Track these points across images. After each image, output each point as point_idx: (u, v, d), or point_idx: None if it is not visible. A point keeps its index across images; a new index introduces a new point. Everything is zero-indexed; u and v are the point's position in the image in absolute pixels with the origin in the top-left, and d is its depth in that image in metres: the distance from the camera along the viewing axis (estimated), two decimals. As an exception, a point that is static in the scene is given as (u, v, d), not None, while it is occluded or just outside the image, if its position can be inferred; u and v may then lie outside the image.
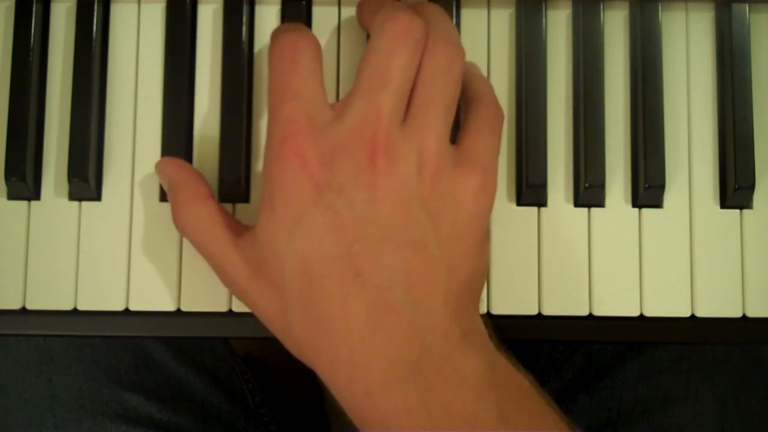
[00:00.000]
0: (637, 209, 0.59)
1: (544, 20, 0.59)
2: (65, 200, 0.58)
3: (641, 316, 0.59)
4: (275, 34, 0.54)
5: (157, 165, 0.57)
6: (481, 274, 0.55)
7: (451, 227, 0.52)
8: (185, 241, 0.58)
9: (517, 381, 0.51)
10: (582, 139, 0.59)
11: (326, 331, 0.50)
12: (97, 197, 0.58)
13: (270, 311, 0.53)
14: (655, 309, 0.59)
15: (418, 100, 0.53)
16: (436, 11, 0.55)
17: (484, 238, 0.54)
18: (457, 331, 0.50)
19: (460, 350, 0.50)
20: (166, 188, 0.57)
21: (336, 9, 0.60)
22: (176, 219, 0.56)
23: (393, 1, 0.55)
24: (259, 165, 0.59)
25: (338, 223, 0.50)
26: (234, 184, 0.57)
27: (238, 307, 0.58)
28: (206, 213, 0.55)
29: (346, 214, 0.50)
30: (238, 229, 0.55)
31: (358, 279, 0.49)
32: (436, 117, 0.52)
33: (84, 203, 0.58)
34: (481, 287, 0.55)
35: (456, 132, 0.56)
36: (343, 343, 0.49)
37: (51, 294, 0.58)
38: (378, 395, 0.49)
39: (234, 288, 0.55)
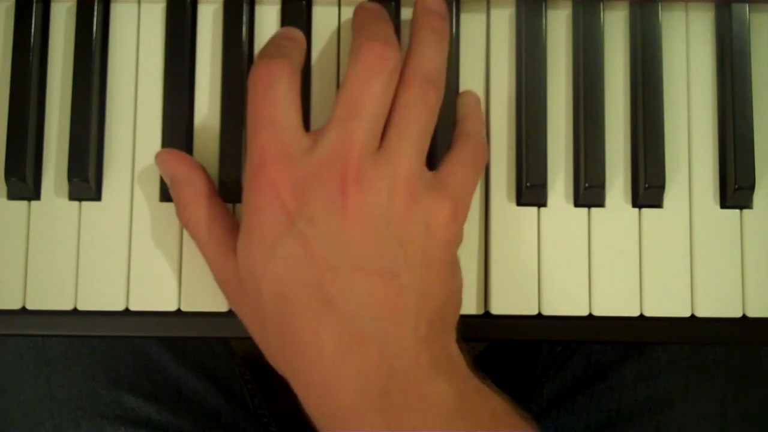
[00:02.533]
0: (637, 209, 0.59)
1: (544, 20, 0.59)
2: (65, 200, 0.58)
3: (641, 316, 0.59)
4: (258, 57, 0.55)
5: (158, 156, 0.57)
6: (454, 300, 0.55)
7: (423, 255, 0.52)
8: (185, 242, 0.58)
9: (489, 407, 0.52)
10: (582, 139, 0.59)
11: (299, 354, 0.51)
12: (97, 197, 0.58)
13: (252, 325, 0.55)
14: (655, 309, 0.59)
15: (392, 128, 0.53)
16: (427, 34, 0.56)
17: (454, 264, 0.55)
18: (427, 358, 0.51)
19: (429, 377, 0.50)
20: (167, 181, 0.57)
21: (336, 9, 0.60)
22: (179, 215, 0.56)
23: (374, 24, 0.55)
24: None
25: (309, 252, 0.51)
26: (234, 184, 0.57)
27: (238, 307, 0.58)
28: (207, 215, 0.55)
29: (317, 243, 0.51)
30: (236, 237, 0.55)
31: (329, 307, 0.50)
32: (409, 145, 0.53)
33: (84, 203, 0.58)
34: (456, 312, 0.55)
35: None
36: (314, 368, 0.50)
37: (51, 294, 0.58)
38: (345, 421, 0.50)
39: (223, 293, 0.56)
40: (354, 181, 0.51)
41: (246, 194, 0.53)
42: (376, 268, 0.51)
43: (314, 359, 0.50)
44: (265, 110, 0.53)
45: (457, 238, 0.54)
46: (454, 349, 0.53)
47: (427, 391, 0.50)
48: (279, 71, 0.53)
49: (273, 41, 0.56)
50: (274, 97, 0.53)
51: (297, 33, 0.57)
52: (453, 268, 0.54)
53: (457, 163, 0.56)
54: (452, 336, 0.54)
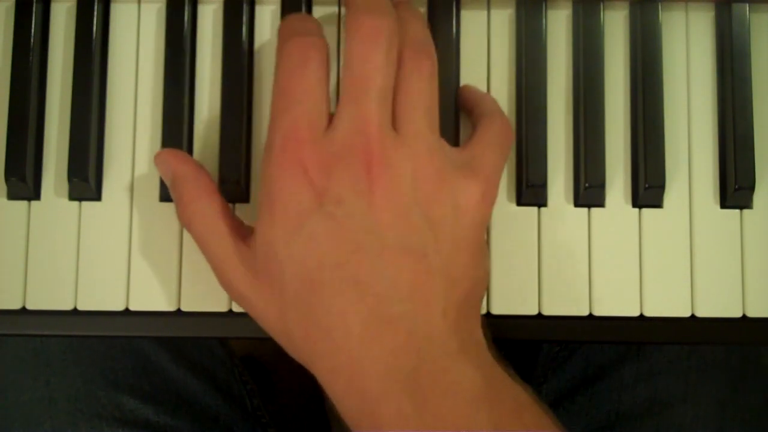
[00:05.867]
0: (637, 209, 0.59)
1: (544, 20, 0.59)
2: (65, 200, 0.58)
3: (641, 316, 0.59)
4: (286, 34, 0.54)
5: (158, 156, 0.57)
6: (482, 284, 0.55)
7: (452, 236, 0.52)
8: (185, 242, 0.58)
9: (513, 394, 0.52)
10: (582, 139, 0.59)
11: (325, 337, 0.50)
12: (97, 197, 0.58)
13: (269, 315, 0.53)
14: (655, 309, 0.59)
15: (399, 111, 0.53)
16: (406, 12, 0.56)
17: (483, 247, 0.54)
18: (455, 343, 0.51)
19: (457, 362, 0.50)
20: (167, 182, 0.57)
21: (336, 9, 0.60)
22: (181, 214, 0.55)
23: (361, 3, 0.55)
24: (259, 165, 0.58)
25: (338, 233, 0.50)
26: (234, 184, 0.57)
27: (238, 307, 0.57)
28: (212, 210, 0.55)
29: (346, 224, 0.50)
30: (242, 231, 0.55)
31: (357, 288, 0.50)
32: (421, 123, 0.53)
33: (84, 203, 0.58)
34: (482, 297, 0.55)
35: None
36: (342, 351, 0.50)
37: (51, 294, 0.58)
38: (373, 403, 0.49)
39: (231, 290, 0.55)
40: (378, 161, 0.51)
41: (269, 171, 0.52)
42: (405, 247, 0.50)
43: (341, 342, 0.50)
44: (297, 89, 0.52)
45: (486, 221, 0.54)
46: (479, 335, 0.53)
47: (455, 377, 0.49)
48: (316, 51, 0.53)
49: (297, 18, 0.56)
50: (307, 76, 0.52)
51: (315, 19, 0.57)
52: (481, 252, 0.54)
53: (484, 144, 0.56)
54: (478, 322, 0.54)
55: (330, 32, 0.60)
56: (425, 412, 0.48)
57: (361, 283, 0.50)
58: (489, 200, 0.54)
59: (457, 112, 0.59)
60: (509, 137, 0.57)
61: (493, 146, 0.56)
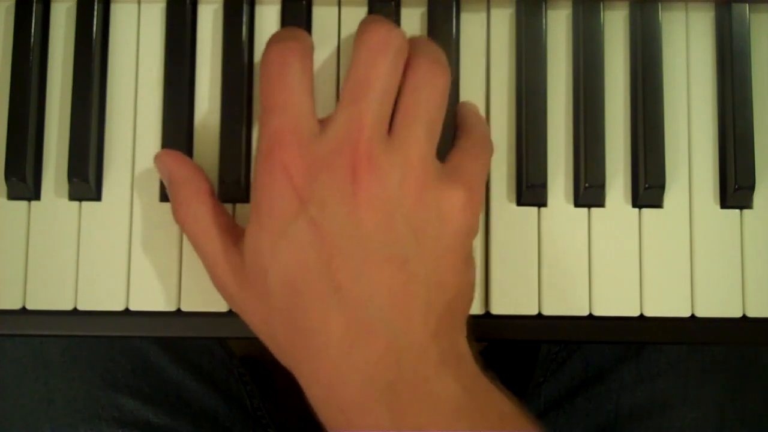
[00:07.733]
0: (637, 209, 0.59)
1: (544, 20, 0.59)
2: (65, 200, 0.58)
3: (641, 316, 0.59)
4: (266, 45, 0.54)
5: (157, 157, 0.57)
6: (466, 293, 0.54)
7: (436, 243, 0.52)
8: (185, 242, 0.58)
9: (496, 406, 0.51)
10: (582, 139, 0.59)
11: (306, 343, 0.50)
12: (97, 197, 0.58)
13: (255, 318, 0.54)
14: (655, 309, 0.59)
15: (401, 114, 0.53)
16: (420, 37, 0.57)
17: (468, 256, 0.54)
18: (436, 353, 0.50)
19: (436, 373, 0.50)
20: (165, 182, 0.57)
21: (336, 9, 0.60)
22: (176, 215, 0.56)
23: (374, 17, 0.55)
24: (259, 165, 0.59)
25: (320, 238, 0.50)
26: (234, 184, 0.57)
27: (238, 307, 0.57)
28: (205, 212, 0.55)
29: (328, 229, 0.50)
30: (235, 234, 0.55)
31: (338, 295, 0.50)
32: (420, 131, 0.52)
33: (84, 203, 0.58)
34: (467, 307, 0.55)
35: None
36: (322, 357, 0.50)
37: (51, 294, 0.58)
38: (351, 412, 0.49)
39: (222, 291, 0.56)
40: (365, 166, 0.50)
41: (257, 178, 0.52)
42: (386, 255, 0.50)
43: (321, 349, 0.50)
44: (279, 95, 0.52)
45: (471, 229, 0.54)
46: (463, 346, 0.53)
47: (435, 388, 0.49)
48: (292, 55, 0.53)
49: (283, 29, 0.56)
50: (287, 81, 0.52)
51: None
52: (466, 260, 0.54)
53: (464, 154, 0.56)
54: (462, 332, 0.53)
55: (330, 32, 0.60)
56: (403, 423, 0.48)
57: (341, 290, 0.50)
58: (473, 208, 0.54)
59: (454, 120, 0.59)
60: (488, 149, 0.58)
61: (472, 157, 0.56)
